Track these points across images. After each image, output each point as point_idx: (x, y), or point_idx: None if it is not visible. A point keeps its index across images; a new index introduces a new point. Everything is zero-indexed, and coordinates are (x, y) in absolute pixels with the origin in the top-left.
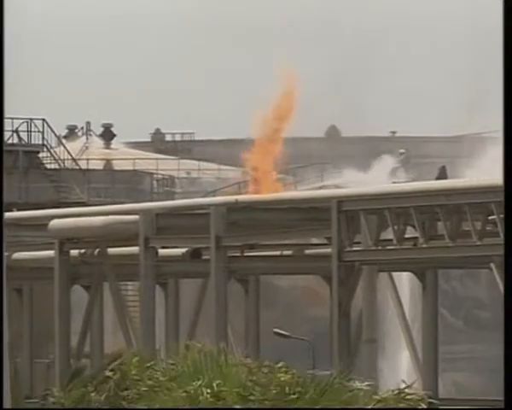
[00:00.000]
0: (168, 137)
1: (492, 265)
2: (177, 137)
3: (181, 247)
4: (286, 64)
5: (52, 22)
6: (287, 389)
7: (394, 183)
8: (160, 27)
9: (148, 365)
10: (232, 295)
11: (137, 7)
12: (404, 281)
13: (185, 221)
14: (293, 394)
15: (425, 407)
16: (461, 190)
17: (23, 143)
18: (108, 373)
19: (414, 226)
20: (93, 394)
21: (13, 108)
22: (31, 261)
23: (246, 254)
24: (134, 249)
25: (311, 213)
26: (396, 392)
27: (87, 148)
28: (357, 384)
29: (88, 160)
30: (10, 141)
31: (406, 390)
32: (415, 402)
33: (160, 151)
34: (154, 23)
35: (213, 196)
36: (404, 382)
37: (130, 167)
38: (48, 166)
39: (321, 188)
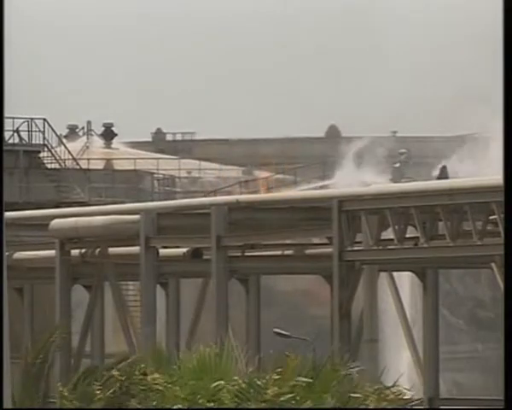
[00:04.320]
0: (169, 137)
1: (493, 265)
2: (178, 137)
3: (182, 247)
4: None
5: (53, 21)
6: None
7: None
8: (161, 27)
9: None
10: (232, 295)
11: (139, 7)
12: (405, 281)
13: (186, 221)
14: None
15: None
16: (461, 190)
17: (24, 142)
18: (115, 373)
19: (415, 226)
20: (98, 392)
21: (13, 107)
22: (31, 261)
23: (246, 253)
24: (135, 249)
25: (311, 213)
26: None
27: (88, 147)
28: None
29: (89, 159)
30: (11, 141)
31: (387, 391)
32: (393, 401)
33: (161, 151)
34: (155, 23)
35: (214, 195)
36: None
37: (131, 167)
38: (48, 165)
39: (321, 188)
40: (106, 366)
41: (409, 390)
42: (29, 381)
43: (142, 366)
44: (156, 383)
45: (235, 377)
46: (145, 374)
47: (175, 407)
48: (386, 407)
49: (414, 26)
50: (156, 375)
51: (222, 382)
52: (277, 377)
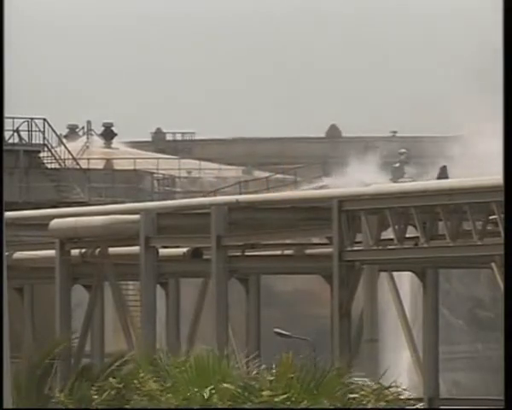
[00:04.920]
0: (169, 137)
1: (493, 265)
2: (178, 137)
3: (182, 246)
4: None
5: (53, 21)
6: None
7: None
8: (161, 27)
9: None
10: (232, 295)
11: (139, 7)
12: (405, 281)
13: (186, 221)
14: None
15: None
16: (461, 190)
17: (24, 142)
18: (111, 378)
19: (415, 226)
20: (96, 396)
21: (13, 107)
22: (31, 261)
23: (246, 253)
24: (135, 249)
25: (311, 213)
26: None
27: (88, 147)
28: (356, 379)
29: (88, 159)
30: (11, 140)
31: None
32: (391, 401)
33: (161, 151)
34: (155, 23)
35: (214, 195)
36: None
37: (131, 167)
38: (48, 165)
39: (322, 188)
40: (103, 365)
41: (408, 391)
42: (30, 382)
43: (141, 375)
44: (150, 392)
45: (225, 385)
46: (141, 383)
47: (173, 407)
48: (385, 407)
49: (414, 26)
50: (153, 385)
51: (212, 386)
52: (271, 378)
